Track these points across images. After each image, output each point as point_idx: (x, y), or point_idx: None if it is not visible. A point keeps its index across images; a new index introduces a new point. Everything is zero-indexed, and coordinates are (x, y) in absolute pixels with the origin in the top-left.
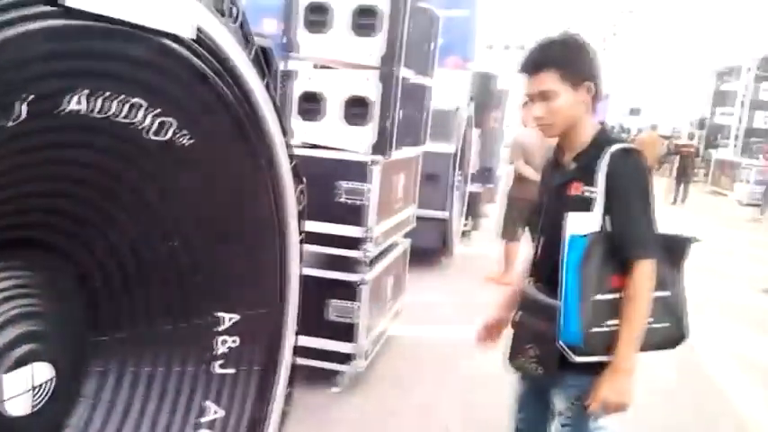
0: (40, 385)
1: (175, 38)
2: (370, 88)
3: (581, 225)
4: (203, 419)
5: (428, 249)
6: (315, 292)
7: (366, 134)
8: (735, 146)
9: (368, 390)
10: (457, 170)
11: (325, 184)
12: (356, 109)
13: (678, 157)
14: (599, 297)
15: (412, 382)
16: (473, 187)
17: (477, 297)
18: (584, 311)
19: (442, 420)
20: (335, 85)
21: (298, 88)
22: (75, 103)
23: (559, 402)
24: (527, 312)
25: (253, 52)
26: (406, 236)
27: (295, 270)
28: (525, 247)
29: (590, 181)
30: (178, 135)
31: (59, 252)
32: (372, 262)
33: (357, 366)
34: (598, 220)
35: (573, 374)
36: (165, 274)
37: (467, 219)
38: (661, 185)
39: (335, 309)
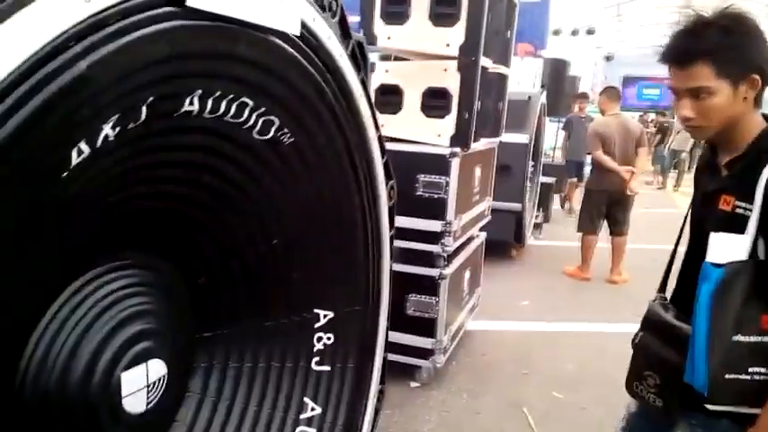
0: (155, 382)
1: (283, 35)
2: (450, 79)
3: (726, 249)
4: (302, 416)
5: (500, 242)
6: (394, 287)
7: (445, 126)
8: None
9: (447, 385)
10: (530, 160)
11: (404, 178)
12: (435, 101)
13: None
14: (741, 338)
15: (491, 377)
16: (544, 179)
17: (554, 291)
18: (717, 353)
19: (525, 419)
20: (414, 77)
21: (375, 81)
22: (189, 104)
23: None
24: (652, 334)
25: (350, 47)
26: (481, 229)
27: (387, 266)
28: (603, 241)
29: (745, 195)
30: (280, 134)
31: (168, 251)
32: (451, 256)
33: (436, 361)
34: (747, 245)
35: (698, 415)
36: (265, 272)
37: (538, 210)
38: None
39: (415, 304)
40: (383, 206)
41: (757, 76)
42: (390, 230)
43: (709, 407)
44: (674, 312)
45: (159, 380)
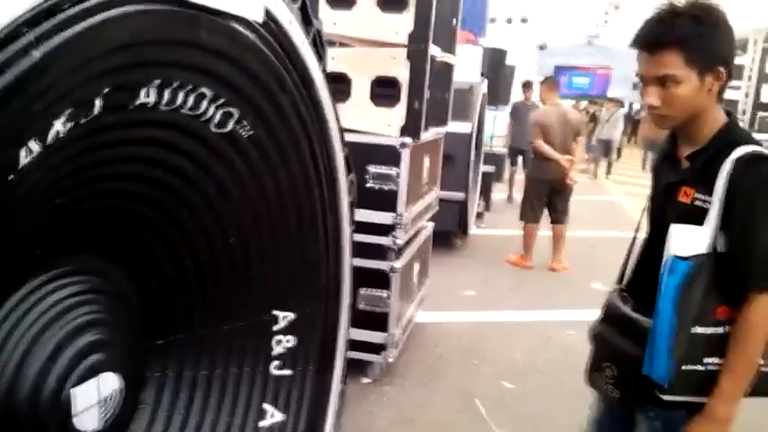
0: (107, 396)
1: (246, 22)
2: (399, 68)
3: (686, 241)
4: (262, 423)
5: (444, 232)
6: None
7: (395, 116)
8: (742, 120)
9: (400, 380)
10: (473, 150)
11: (353, 169)
12: (384, 89)
13: None
14: (699, 330)
15: (442, 370)
16: (485, 168)
17: (498, 281)
18: (679, 345)
19: (478, 410)
20: (361, 65)
21: None
22: (145, 96)
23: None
24: (610, 326)
25: (311, 35)
26: (428, 220)
27: (347, 263)
28: (545, 230)
29: (705, 188)
30: (239, 126)
31: (117, 254)
32: (401, 249)
33: (388, 356)
34: (708, 238)
35: (655, 407)
36: (221, 273)
37: (480, 199)
38: None
39: (365, 298)
40: (344, 201)
41: (723, 69)
42: (351, 226)
43: (666, 397)
44: (632, 304)
45: (112, 394)
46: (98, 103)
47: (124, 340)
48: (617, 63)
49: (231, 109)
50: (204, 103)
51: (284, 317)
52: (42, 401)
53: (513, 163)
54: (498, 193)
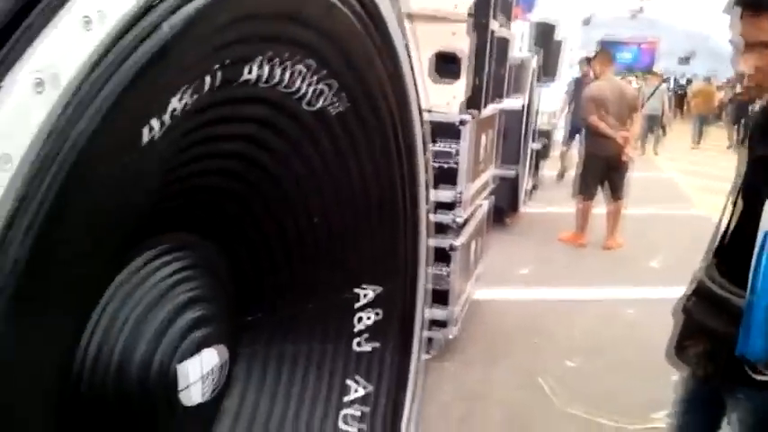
0: (209, 371)
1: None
2: (460, 42)
3: None
4: (346, 399)
5: (496, 209)
6: None
7: (456, 91)
8: None
9: (460, 356)
10: (524, 126)
11: None
12: (445, 65)
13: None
14: None
15: (502, 347)
16: (534, 144)
17: (552, 258)
18: None
19: (541, 388)
20: (420, 40)
21: None
22: (248, 72)
23: (733, 413)
24: (701, 301)
25: (397, 8)
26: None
27: (424, 241)
28: (600, 207)
29: None
30: (329, 103)
31: (213, 232)
32: (461, 226)
33: (449, 333)
34: None
35: (745, 388)
36: (305, 252)
37: (529, 176)
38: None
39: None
40: (421, 179)
41: None
42: (426, 204)
43: (760, 378)
44: (724, 281)
45: (213, 369)
46: (208, 80)
47: (222, 317)
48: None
49: (323, 86)
50: (299, 80)
51: (365, 294)
52: (151, 378)
53: (570, 139)
54: (545, 170)
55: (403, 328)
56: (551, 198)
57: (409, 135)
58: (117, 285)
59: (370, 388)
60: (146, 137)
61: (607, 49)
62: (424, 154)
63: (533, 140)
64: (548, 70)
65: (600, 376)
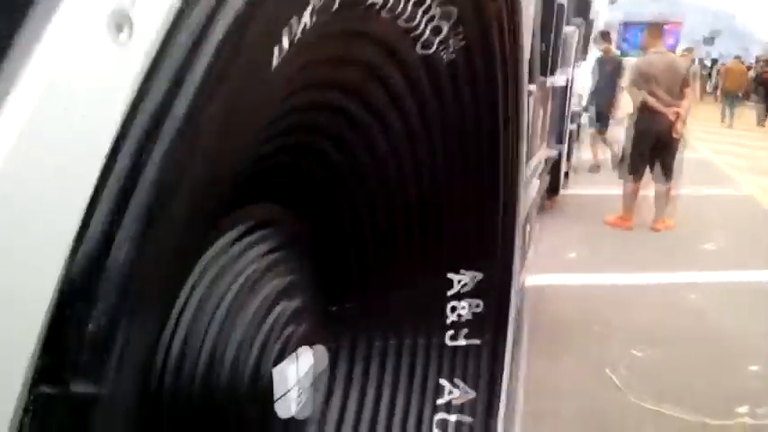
0: (304, 375)
1: None
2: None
3: None
4: (440, 401)
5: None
6: None
7: None
8: None
9: (520, 347)
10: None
11: None
12: None
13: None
14: None
15: (564, 336)
16: (572, 125)
17: (598, 242)
18: None
19: (610, 379)
20: None
21: None
22: None
23: None
24: None
25: None
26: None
27: (520, 223)
28: (648, 188)
29: None
30: (441, 48)
31: (298, 203)
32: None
33: None
34: None
35: None
36: (396, 231)
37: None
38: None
39: None
40: (522, 153)
41: None
42: (522, 182)
43: None
44: None
45: (308, 372)
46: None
47: (314, 308)
48: (686, 16)
49: (442, 23)
50: (419, 13)
51: (459, 281)
52: (244, 385)
53: (597, 122)
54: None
55: (498, 319)
56: (590, 180)
57: (517, 97)
58: (203, 267)
59: (466, 388)
60: (275, 59)
61: (658, 23)
62: (527, 126)
63: (571, 121)
64: (581, 48)
65: (672, 367)
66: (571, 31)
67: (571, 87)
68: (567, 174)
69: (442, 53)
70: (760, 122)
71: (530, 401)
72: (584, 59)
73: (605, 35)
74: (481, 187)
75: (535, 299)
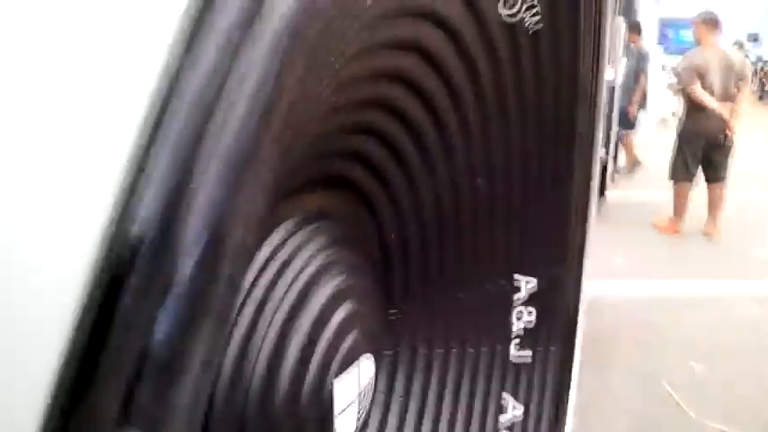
0: (366, 386)
1: None
2: None
3: None
4: (503, 418)
5: None
6: None
7: None
8: None
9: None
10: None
11: None
12: None
13: None
14: None
15: (615, 347)
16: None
17: (646, 247)
18: None
19: (669, 396)
20: None
21: None
22: None
23: None
24: None
25: None
26: None
27: (591, 224)
28: (699, 191)
29: None
30: (529, 13)
31: (356, 192)
32: None
33: None
34: None
35: None
36: (462, 225)
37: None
38: None
39: None
40: (597, 147)
41: None
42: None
43: None
44: None
45: (369, 383)
46: None
47: (373, 313)
48: (730, 13)
49: None
50: None
51: (527, 283)
52: (304, 400)
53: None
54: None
55: (567, 330)
56: (635, 181)
57: (596, 89)
58: (259, 265)
59: (530, 404)
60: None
61: (712, 12)
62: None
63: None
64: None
65: (735, 384)
66: (617, 22)
67: (615, 85)
68: (612, 175)
69: (527, 21)
70: None
71: (580, 420)
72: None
73: (633, 26)
74: (554, 185)
75: (584, 307)
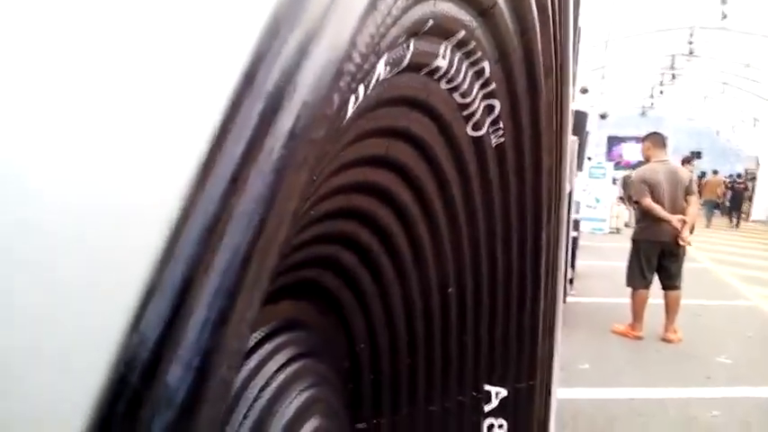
0: None
1: None
2: None
3: None
4: None
5: None
6: None
7: None
8: None
9: None
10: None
11: None
12: None
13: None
14: None
15: None
16: (574, 233)
17: (611, 353)
18: None
19: None
20: None
21: None
22: (441, 58)
23: None
24: None
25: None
26: None
27: (560, 318)
28: (655, 296)
29: None
30: (492, 129)
31: (328, 300)
32: None
33: None
34: None
35: None
36: (432, 335)
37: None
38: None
39: None
40: (563, 244)
41: None
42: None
43: None
44: None
45: None
46: (409, 55)
47: (343, 425)
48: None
49: (495, 102)
50: (476, 88)
51: (497, 393)
52: None
53: None
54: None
55: None
56: (593, 288)
57: (560, 188)
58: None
59: None
60: (351, 108)
61: (659, 132)
62: (569, 212)
63: (573, 228)
64: (580, 160)
65: None
66: (572, 140)
67: (571, 198)
68: (571, 281)
69: (492, 136)
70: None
71: None
72: (581, 171)
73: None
74: (523, 289)
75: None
